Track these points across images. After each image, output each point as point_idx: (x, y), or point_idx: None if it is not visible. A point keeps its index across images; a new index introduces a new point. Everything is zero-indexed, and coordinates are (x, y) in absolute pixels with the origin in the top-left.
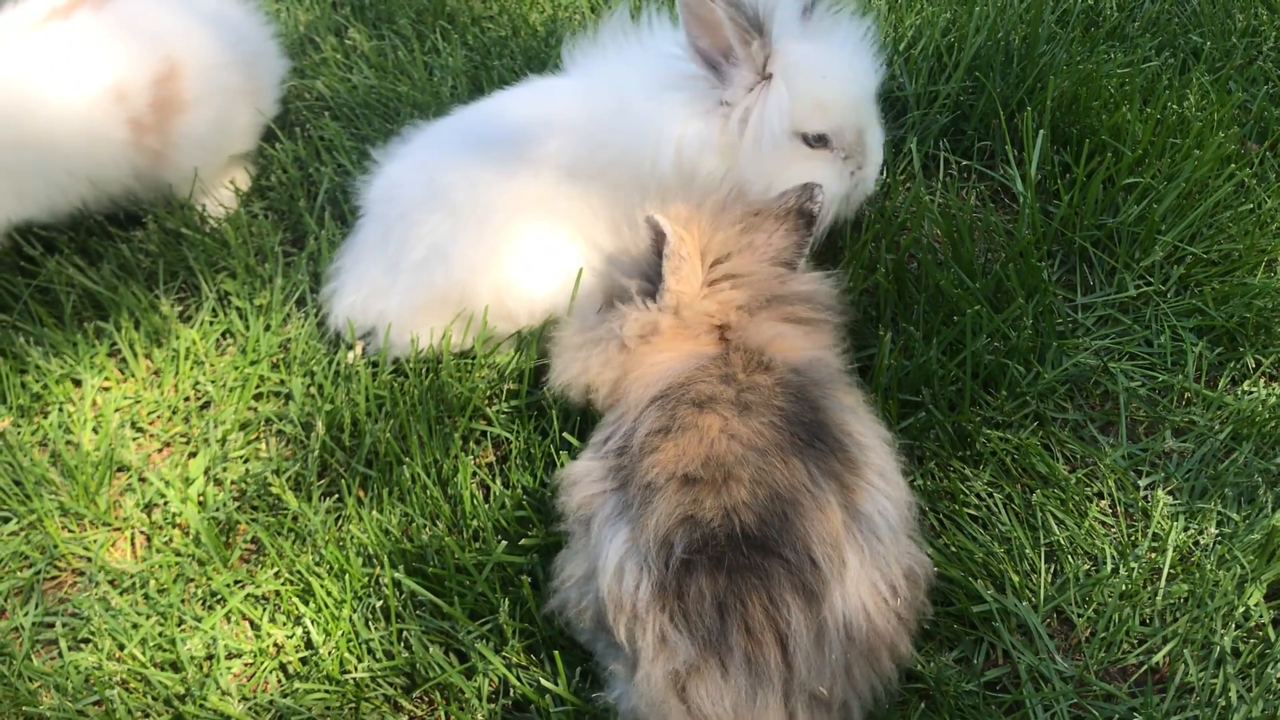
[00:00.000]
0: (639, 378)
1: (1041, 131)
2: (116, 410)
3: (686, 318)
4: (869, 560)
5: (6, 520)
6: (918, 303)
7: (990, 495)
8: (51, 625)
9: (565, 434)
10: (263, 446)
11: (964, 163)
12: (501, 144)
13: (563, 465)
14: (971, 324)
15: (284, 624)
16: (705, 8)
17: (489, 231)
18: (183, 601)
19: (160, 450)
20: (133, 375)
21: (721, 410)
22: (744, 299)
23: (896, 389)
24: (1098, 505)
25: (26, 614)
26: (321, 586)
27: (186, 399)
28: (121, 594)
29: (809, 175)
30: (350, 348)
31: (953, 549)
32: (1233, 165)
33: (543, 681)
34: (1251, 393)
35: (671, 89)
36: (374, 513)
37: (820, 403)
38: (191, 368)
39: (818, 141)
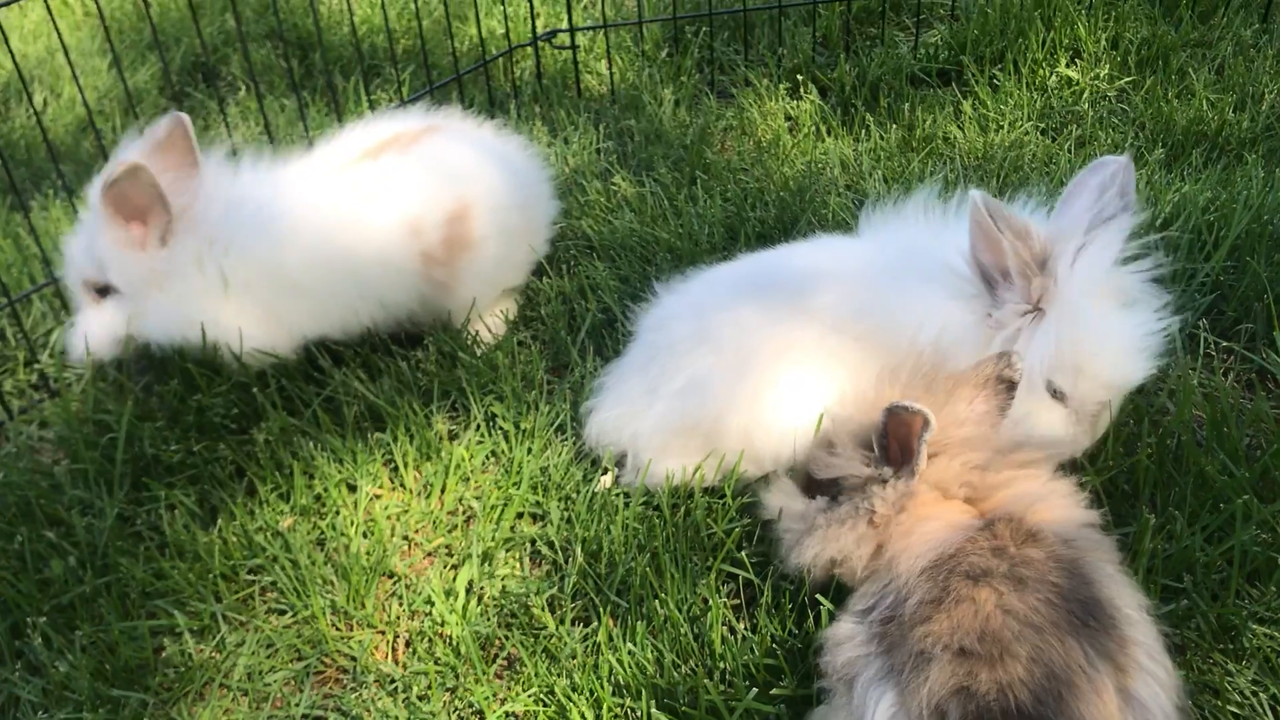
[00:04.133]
0: (906, 549)
1: None
2: (387, 517)
3: (936, 485)
4: None
5: (283, 613)
6: (1178, 484)
7: (1255, 694)
8: (322, 718)
9: (818, 595)
10: (518, 566)
11: (1223, 343)
12: (776, 291)
13: (814, 616)
14: (1240, 513)
15: None
16: (992, 232)
17: (749, 371)
18: (444, 709)
19: (425, 559)
20: (402, 486)
21: (996, 584)
22: (979, 458)
23: (1160, 572)
24: None
25: (298, 704)
26: (578, 712)
27: (451, 512)
28: (387, 695)
29: (1041, 421)
30: (605, 472)
31: None
32: None
33: None
34: None
35: (947, 282)
36: (628, 644)
37: (1092, 576)
38: (458, 483)
39: (1059, 394)
